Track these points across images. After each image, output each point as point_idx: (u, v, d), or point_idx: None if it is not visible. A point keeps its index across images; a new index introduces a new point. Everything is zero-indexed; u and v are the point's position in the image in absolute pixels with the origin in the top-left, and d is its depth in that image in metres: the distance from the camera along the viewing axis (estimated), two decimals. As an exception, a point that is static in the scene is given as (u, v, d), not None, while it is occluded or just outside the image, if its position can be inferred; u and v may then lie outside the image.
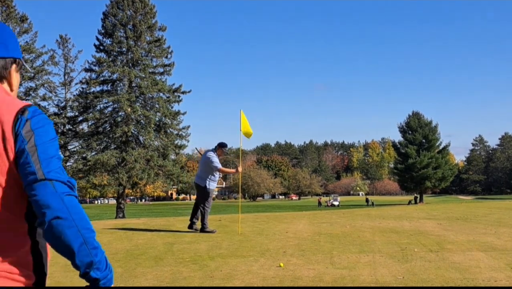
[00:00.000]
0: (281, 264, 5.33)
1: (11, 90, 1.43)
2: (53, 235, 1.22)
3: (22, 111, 1.28)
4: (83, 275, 1.28)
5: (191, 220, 8.65)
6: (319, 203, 64.20)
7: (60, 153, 1.32)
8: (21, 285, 1.26)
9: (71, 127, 36.13)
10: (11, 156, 1.24)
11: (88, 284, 1.30)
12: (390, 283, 4.44)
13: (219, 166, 8.32)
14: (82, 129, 35.48)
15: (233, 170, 8.89)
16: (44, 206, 1.21)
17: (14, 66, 1.44)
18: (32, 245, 1.31)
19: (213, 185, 8.52)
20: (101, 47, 33.96)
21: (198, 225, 8.57)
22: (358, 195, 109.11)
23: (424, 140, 62.31)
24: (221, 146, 8.53)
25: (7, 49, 1.41)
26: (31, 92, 34.02)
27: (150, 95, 33.33)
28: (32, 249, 1.31)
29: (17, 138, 1.25)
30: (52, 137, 1.30)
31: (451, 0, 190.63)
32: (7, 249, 1.26)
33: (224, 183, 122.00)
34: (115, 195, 38.49)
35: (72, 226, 1.22)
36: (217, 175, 8.58)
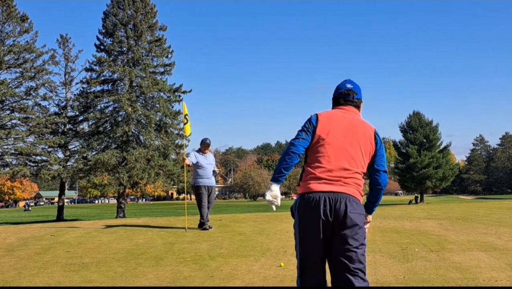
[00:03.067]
0: (282, 264, 5.33)
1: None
2: (377, 193, 2.98)
3: (375, 131, 2.96)
4: (370, 212, 3.07)
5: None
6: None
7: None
8: (359, 197, 2.90)
9: (71, 127, 36.12)
10: (373, 151, 2.94)
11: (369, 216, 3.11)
12: (390, 283, 4.44)
13: (190, 162, 8.69)
14: (83, 129, 35.45)
15: (187, 162, 8.81)
16: (381, 182, 2.96)
17: (362, 104, 3.09)
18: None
19: (200, 181, 8.71)
20: (102, 47, 33.93)
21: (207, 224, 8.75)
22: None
23: (425, 140, 62.12)
24: (202, 142, 8.95)
25: (361, 95, 3.08)
26: (31, 92, 33.96)
27: (150, 95, 33.27)
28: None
29: (376, 144, 2.94)
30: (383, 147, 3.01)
31: (451, 0, 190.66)
32: (360, 185, 2.91)
33: (223, 182, 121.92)
34: (116, 195, 38.46)
35: (382, 191, 2.98)
36: (201, 171, 8.75)
